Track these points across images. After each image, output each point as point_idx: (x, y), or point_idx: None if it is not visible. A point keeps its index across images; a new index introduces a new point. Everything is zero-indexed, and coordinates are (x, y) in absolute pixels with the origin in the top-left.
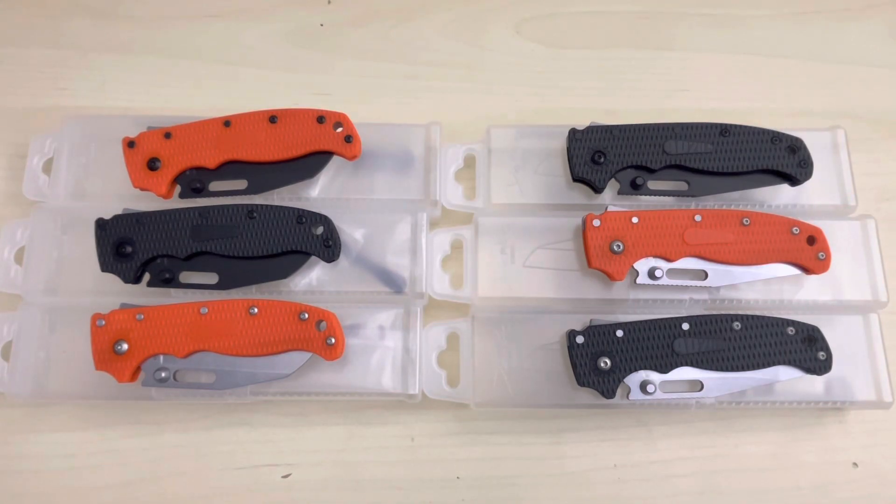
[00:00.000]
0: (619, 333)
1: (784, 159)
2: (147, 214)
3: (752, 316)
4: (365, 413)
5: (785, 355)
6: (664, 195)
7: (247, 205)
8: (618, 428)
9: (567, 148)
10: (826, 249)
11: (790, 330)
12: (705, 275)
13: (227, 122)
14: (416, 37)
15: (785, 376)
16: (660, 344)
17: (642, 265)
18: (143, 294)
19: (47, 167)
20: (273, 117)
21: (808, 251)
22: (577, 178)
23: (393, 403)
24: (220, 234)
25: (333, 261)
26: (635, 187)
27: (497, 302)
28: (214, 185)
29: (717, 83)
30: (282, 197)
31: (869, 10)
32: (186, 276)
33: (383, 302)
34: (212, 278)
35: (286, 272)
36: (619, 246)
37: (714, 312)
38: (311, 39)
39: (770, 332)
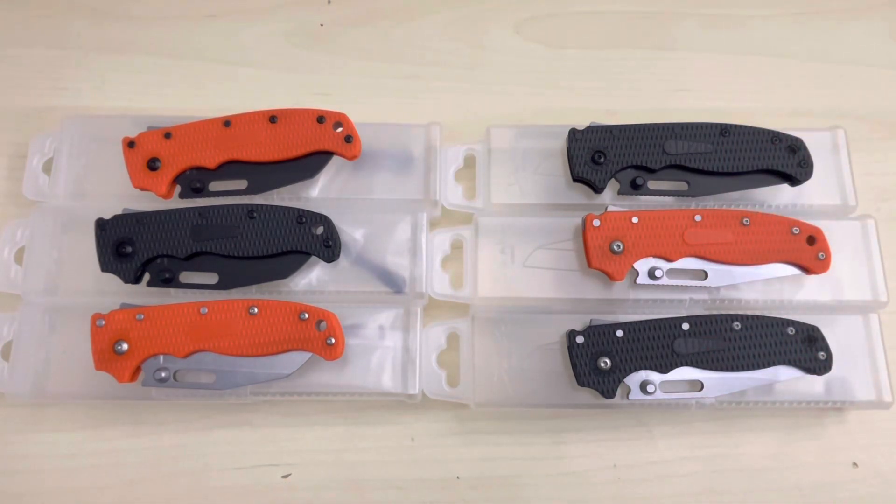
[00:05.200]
0: (619, 333)
1: (784, 159)
2: (147, 214)
3: (752, 316)
4: (365, 413)
5: (785, 355)
6: (664, 195)
7: (247, 205)
8: (618, 428)
9: (567, 148)
10: (826, 249)
11: (790, 330)
12: (705, 275)
13: (227, 122)
14: (416, 37)
15: (785, 376)
16: (660, 344)
17: (642, 265)
18: (143, 294)
19: (47, 167)
20: (273, 117)
21: (808, 251)
22: (577, 178)
23: (393, 403)
24: (220, 234)
25: (333, 261)
26: (635, 187)
27: (497, 302)
28: (214, 185)
29: (717, 83)
30: (282, 197)
31: (869, 10)
32: (186, 276)
33: (383, 302)
34: (212, 278)
35: (286, 272)
36: (619, 246)
37: (714, 312)
38: (311, 39)
39: (770, 332)
